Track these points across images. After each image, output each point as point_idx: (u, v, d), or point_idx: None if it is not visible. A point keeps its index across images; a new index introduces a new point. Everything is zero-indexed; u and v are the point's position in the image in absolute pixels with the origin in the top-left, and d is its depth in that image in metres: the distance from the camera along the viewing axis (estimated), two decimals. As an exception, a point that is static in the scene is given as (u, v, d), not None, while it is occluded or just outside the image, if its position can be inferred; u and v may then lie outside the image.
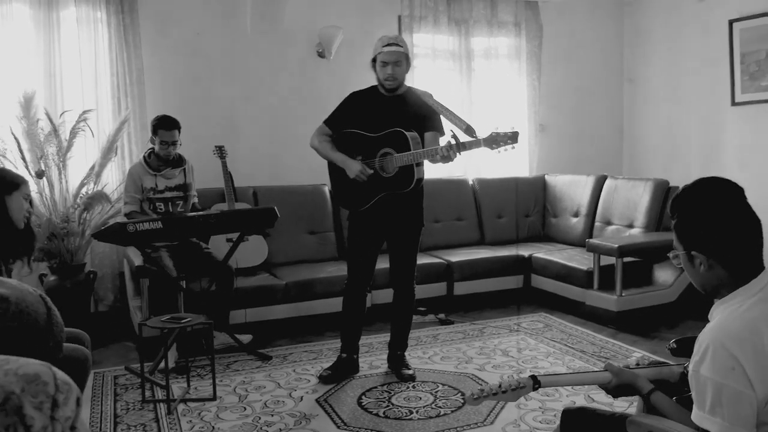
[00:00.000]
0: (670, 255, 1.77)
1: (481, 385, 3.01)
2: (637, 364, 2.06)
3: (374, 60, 3.65)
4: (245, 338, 4.40)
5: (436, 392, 3.56)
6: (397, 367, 3.85)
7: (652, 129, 6.85)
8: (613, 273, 4.68)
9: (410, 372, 3.79)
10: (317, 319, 4.72)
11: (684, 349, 1.90)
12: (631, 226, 5.29)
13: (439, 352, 4.23)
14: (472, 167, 6.25)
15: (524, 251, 5.49)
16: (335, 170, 3.76)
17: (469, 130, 3.37)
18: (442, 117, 3.62)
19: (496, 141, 3.29)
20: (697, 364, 1.56)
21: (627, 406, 3.23)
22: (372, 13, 5.90)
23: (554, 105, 6.63)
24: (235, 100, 5.54)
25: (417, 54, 6.05)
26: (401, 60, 3.60)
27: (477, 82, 6.27)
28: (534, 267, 5.35)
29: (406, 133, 3.50)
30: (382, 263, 3.91)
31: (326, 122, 3.77)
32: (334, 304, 4.24)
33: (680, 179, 5.38)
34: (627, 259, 4.71)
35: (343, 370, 3.82)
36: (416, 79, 6.00)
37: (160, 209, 4.33)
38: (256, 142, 5.57)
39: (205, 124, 5.31)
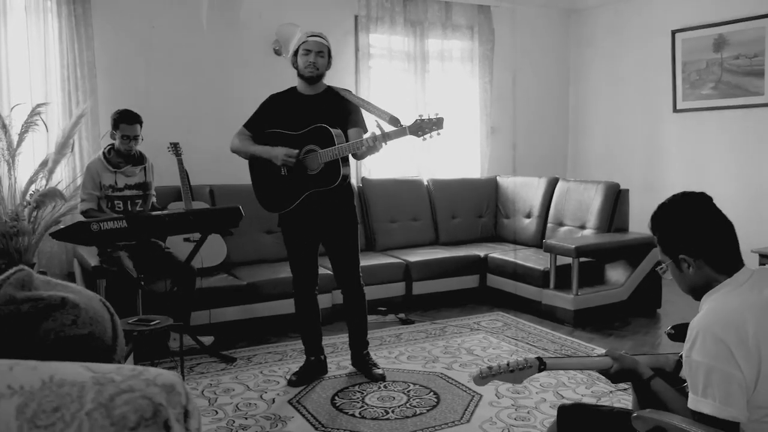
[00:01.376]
0: (658, 268, 1.90)
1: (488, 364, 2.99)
2: None
3: (296, 53, 3.58)
4: (207, 340, 4.31)
5: (408, 392, 3.58)
6: (366, 367, 3.83)
7: (596, 133, 7.09)
8: (569, 273, 4.82)
9: (380, 371, 3.79)
10: (279, 320, 4.66)
11: (681, 334, 1.99)
12: (583, 227, 5.44)
13: (405, 352, 4.25)
14: (427, 168, 6.31)
15: (479, 251, 5.58)
16: (257, 172, 3.69)
17: (393, 121, 3.34)
18: (366, 111, 3.57)
19: (421, 128, 3.27)
20: (689, 350, 1.68)
21: (595, 401, 3.35)
22: (329, 13, 5.88)
23: (504, 108, 6.77)
24: (190, 96, 5.42)
25: (373, 54, 6.09)
26: (324, 51, 3.54)
27: (431, 84, 6.34)
28: (490, 267, 5.44)
29: (330, 128, 3.46)
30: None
31: (246, 125, 3.71)
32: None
33: (623, 182, 5.57)
34: (582, 259, 4.85)
35: (311, 373, 3.78)
36: (372, 79, 6.05)
37: (119, 207, 4.18)
38: (212, 139, 5.44)
39: (159, 120, 5.14)
